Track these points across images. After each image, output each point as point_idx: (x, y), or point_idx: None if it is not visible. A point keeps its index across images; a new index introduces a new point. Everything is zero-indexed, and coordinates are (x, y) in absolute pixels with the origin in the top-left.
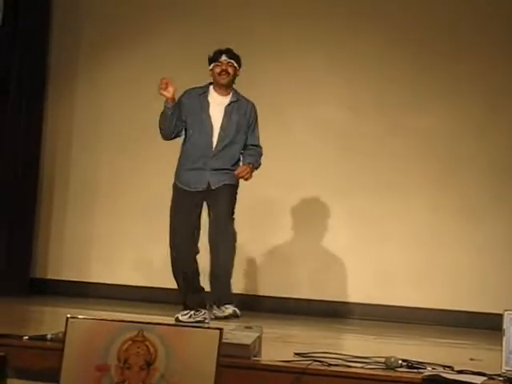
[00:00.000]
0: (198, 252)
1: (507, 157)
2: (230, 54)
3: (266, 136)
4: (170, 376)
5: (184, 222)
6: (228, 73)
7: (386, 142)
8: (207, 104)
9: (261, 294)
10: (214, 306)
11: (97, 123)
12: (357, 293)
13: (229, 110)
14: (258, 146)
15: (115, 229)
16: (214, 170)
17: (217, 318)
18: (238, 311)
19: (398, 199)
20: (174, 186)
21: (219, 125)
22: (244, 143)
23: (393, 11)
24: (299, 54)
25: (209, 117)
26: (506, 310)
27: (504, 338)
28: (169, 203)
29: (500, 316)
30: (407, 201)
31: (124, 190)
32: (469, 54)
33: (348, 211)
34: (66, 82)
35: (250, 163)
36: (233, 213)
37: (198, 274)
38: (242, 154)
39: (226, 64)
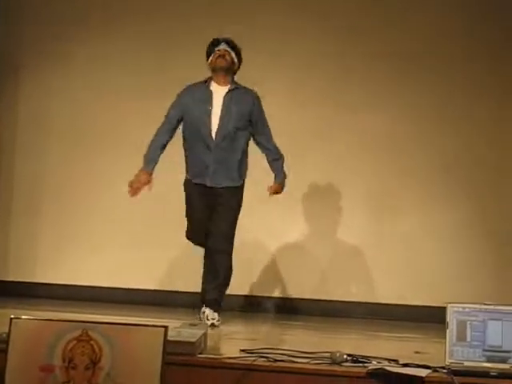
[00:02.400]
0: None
1: (452, 153)
2: (229, 42)
3: None
4: (115, 375)
5: (197, 215)
6: (225, 58)
7: (329, 136)
8: (209, 93)
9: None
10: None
11: (41, 121)
12: (303, 289)
13: (227, 99)
14: (277, 149)
15: (61, 228)
16: (217, 163)
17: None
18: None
19: (347, 194)
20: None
21: (218, 115)
22: (249, 136)
23: (347, 8)
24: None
25: (207, 110)
26: (449, 303)
27: (447, 331)
28: (117, 201)
29: (444, 309)
30: (357, 198)
31: (72, 187)
32: (426, 48)
33: (297, 206)
34: (11, 79)
35: (280, 184)
36: (233, 234)
37: None
38: (267, 159)
39: (223, 50)
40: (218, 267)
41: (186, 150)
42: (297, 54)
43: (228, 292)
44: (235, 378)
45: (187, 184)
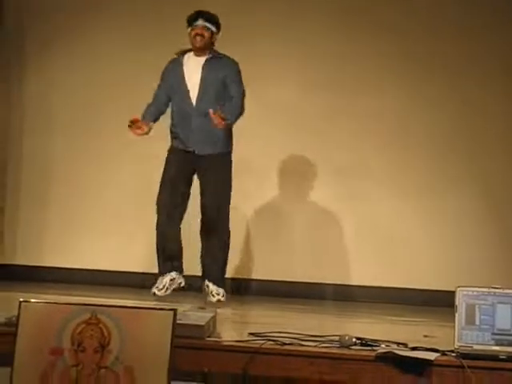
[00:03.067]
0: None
1: (455, 136)
2: (206, 16)
3: None
4: (124, 358)
5: (175, 179)
6: (203, 36)
7: (337, 121)
8: (181, 67)
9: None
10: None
11: (48, 109)
12: (313, 273)
13: (206, 68)
14: (240, 96)
15: (70, 213)
16: (198, 131)
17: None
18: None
19: (348, 180)
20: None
21: (198, 84)
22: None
23: None
24: (244, 34)
25: (184, 79)
26: (459, 287)
27: (456, 315)
28: (122, 188)
29: (453, 293)
30: (356, 182)
31: (79, 173)
32: (424, 31)
33: (301, 193)
34: (16, 69)
35: (226, 118)
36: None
37: None
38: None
39: (201, 28)
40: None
41: (172, 120)
42: (303, 40)
43: (237, 276)
44: (244, 361)
45: (170, 151)
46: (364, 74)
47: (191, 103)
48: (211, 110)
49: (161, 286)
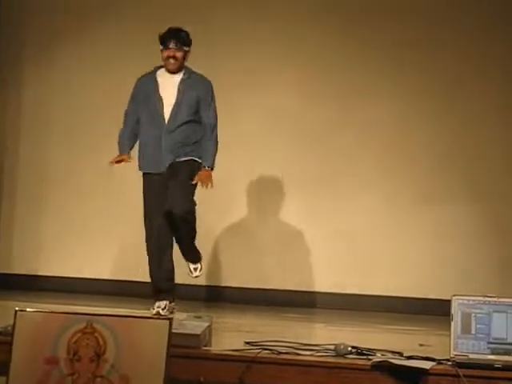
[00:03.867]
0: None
1: (456, 145)
2: (178, 38)
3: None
4: (120, 367)
5: (157, 206)
6: (176, 58)
7: (339, 130)
8: (156, 85)
9: (213, 284)
10: None
11: (45, 113)
12: (308, 282)
13: (182, 88)
14: (212, 125)
15: (66, 222)
16: (169, 149)
17: None
18: None
19: (352, 187)
20: (143, 176)
21: (172, 103)
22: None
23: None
24: (248, 43)
25: (160, 98)
26: (454, 295)
27: (452, 323)
28: (124, 194)
29: (448, 302)
30: (360, 189)
31: (76, 181)
32: (424, 42)
33: (302, 199)
34: (14, 72)
35: (208, 166)
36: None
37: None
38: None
39: (173, 50)
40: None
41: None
42: (305, 47)
43: (232, 285)
44: (240, 370)
45: (144, 179)
46: (363, 83)
47: (163, 122)
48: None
49: (163, 306)
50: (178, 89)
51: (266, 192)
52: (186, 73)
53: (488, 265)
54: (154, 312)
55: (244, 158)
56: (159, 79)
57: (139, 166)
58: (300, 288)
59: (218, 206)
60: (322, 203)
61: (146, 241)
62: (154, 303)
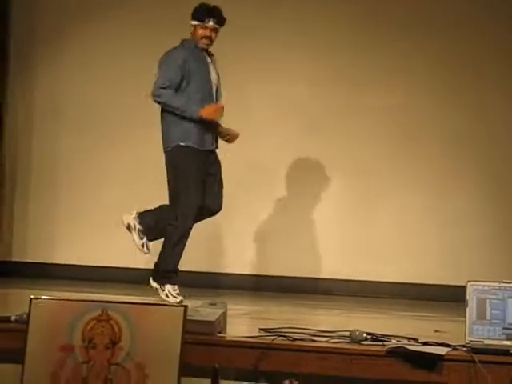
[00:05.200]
0: None
1: (466, 132)
2: (219, 18)
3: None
4: (135, 354)
5: (198, 184)
6: (211, 39)
7: (348, 118)
8: (206, 63)
9: (227, 271)
10: None
11: (57, 106)
12: (323, 269)
13: (215, 66)
14: None
15: (79, 210)
16: (213, 130)
17: None
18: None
19: (361, 176)
20: (182, 148)
21: (215, 83)
22: None
23: None
24: (258, 31)
25: (209, 77)
26: (469, 281)
27: (467, 309)
28: (133, 184)
29: (463, 288)
30: (369, 177)
31: (88, 170)
32: (433, 30)
33: (311, 188)
34: (26, 68)
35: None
36: None
37: None
38: None
39: (210, 30)
40: None
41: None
42: (314, 34)
43: (247, 272)
44: (254, 357)
45: (187, 151)
46: (373, 71)
47: (212, 100)
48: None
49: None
50: (214, 67)
51: (274, 179)
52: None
53: (503, 251)
54: (175, 299)
55: (253, 145)
56: (203, 55)
57: (181, 138)
58: (314, 275)
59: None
60: (333, 190)
61: (181, 216)
62: (162, 285)
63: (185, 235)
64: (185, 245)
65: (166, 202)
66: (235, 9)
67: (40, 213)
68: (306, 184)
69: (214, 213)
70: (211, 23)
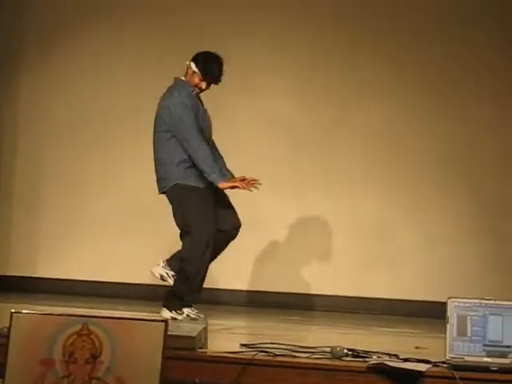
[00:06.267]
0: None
1: (453, 149)
2: (218, 81)
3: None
4: (115, 369)
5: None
6: (202, 91)
7: (334, 133)
8: (202, 104)
9: (209, 286)
10: None
11: (43, 113)
12: (303, 284)
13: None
14: None
15: (62, 223)
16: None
17: None
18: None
19: (347, 190)
20: (183, 186)
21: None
22: None
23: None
24: (242, 45)
25: (208, 117)
26: (450, 298)
27: (448, 326)
28: (122, 196)
29: (444, 304)
30: (355, 192)
31: (72, 184)
32: (421, 45)
33: (297, 205)
34: (12, 72)
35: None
36: None
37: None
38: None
39: (207, 86)
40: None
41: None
42: (299, 49)
43: (229, 287)
44: (236, 372)
45: (199, 194)
46: (358, 86)
47: (209, 140)
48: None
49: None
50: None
51: (259, 195)
52: None
53: (485, 268)
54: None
55: (238, 161)
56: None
57: (180, 178)
58: (295, 290)
59: None
60: (316, 205)
61: (199, 249)
62: (179, 310)
63: (203, 266)
64: (204, 277)
65: (154, 212)
66: (218, 24)
67: (22, 226)
68: (289, 200)
69: (236, 233)
70: (212, 82)
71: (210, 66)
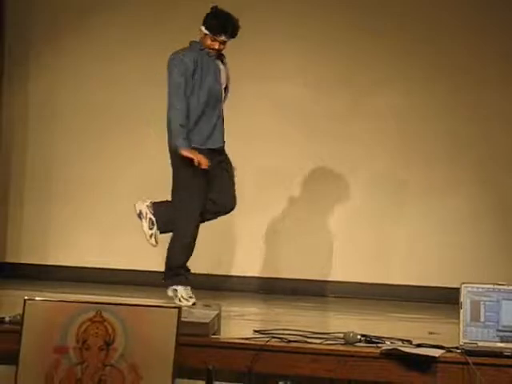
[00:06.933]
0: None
1: (468, 136)
2: (232, 31)
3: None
4: (129, 355)
5: (204, 184)
6: (219, 50)
7: (348, 121)
8: (216, 66)
9: (222, 273)
10: None
11: (52, 105)
12: (316, 270)
13: (224, 69)
14: None
15: (73, 211)
16: (220, 126)
17: None
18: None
19: (361, 178)
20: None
21: (224, 83)
22: None
23: None
24: (257, 33)
25: (218, 75)
26: (463, 283)
27: (461, 311)
28: (126, 187)
29: (457, 290)
30: (371, 180)
31: (83, 171)
32: (432, 32)
33: (309, 192)
34: (21, 69)
35: None
36: None
37: None
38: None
39: (220, 43)
40: None
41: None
42: (312, 36)
43: (242, 274)
44: (249, 358)
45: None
46: (372, 73)
47: (220, 104)
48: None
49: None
50: (223, 69)
51: (273, 182)
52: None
53: (498, 253)
54: (187, 302)
55: (250, 148)
56: (216, 61)
57: (190, 140)
58: (309, 277)
59: None
60: (328, 193)
61: (189, 215)
62: (175, 290)
63: (189, 237)
64: (192, 248)
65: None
66: (234, 7)
67: (34, 214)
68: (303, 188)
69: (227, 211)
70: (224, 38)
71: (216, 22)
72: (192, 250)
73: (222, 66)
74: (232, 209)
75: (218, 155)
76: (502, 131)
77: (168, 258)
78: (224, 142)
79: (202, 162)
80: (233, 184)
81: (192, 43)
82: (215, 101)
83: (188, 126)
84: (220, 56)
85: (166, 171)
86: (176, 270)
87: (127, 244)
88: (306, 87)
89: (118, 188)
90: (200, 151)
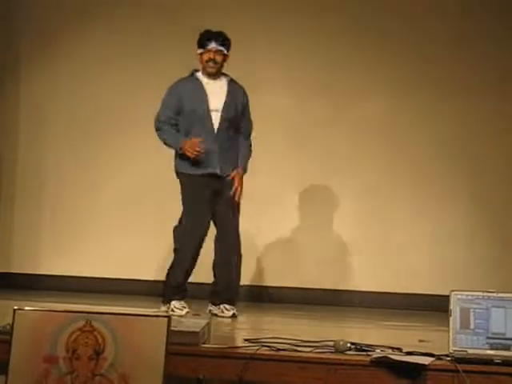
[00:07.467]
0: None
1: (451, 139)
2: (220, 40)
3: None
4: (119, 365)
5: (203, 212)
6: (216, 62)
7: (332, 128)
8: (202, 88)
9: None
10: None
11: (44, 111)
12: (305, 279)
13: (229, 93)
14: (251, 145)
15: (64, 220)
16: (222, 152)
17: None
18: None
19: (350, 187)
20: (181, 175)
21: (220, 108)
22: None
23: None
24: (242, 43)
25: (206, 101)
26: (453, 291)
27: (451, 319)
28: (123, 193)
29: (447, 297)
30: (360, 189)
31: (74, 180)
32: (417, 38)
33: (296, 197)
34: (11, 72)
35: (243, 168)
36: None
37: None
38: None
39: (213, 53)
40: (232, 264)
41: None
42: (293, 44)
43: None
44: (239, 367)
45: (189, 178)
46: (354, 81)
47: (212, 129)
48: (232, 175)
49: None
50: (227, 94)
51: (259, 192)
52: (227, 77)
53: (488, 263)
54: (180, 311)
55: None
56: (204, 82)
57: (182, 167)
58: (299, 285)
59: None
60: (313, 203)
61: (185, 237)
62: (168, 304)
63: (189, 260)
64: (191, 270)
65: (157, 209)
66: (217, 21)
67: (25, 223)
68: (287, 197)
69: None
70: (213, 45)
71: (201, 36)
72: (191, 272)
73: (221, 89)
74: (233, 246)
75: (216, 182)
76: (494, 143)
77: (168, 278)
78: (221, 169)
79: (189, 150)
80: (232, 215)
81: (193, 71)
82: (202, 125)
83: (168, 123)
84: (222, 77)
85: (160, 179)
86: (174, 289)
87: (119, 253)
88: (288, 96)
89: (110, 196)
90: (192, 177)
